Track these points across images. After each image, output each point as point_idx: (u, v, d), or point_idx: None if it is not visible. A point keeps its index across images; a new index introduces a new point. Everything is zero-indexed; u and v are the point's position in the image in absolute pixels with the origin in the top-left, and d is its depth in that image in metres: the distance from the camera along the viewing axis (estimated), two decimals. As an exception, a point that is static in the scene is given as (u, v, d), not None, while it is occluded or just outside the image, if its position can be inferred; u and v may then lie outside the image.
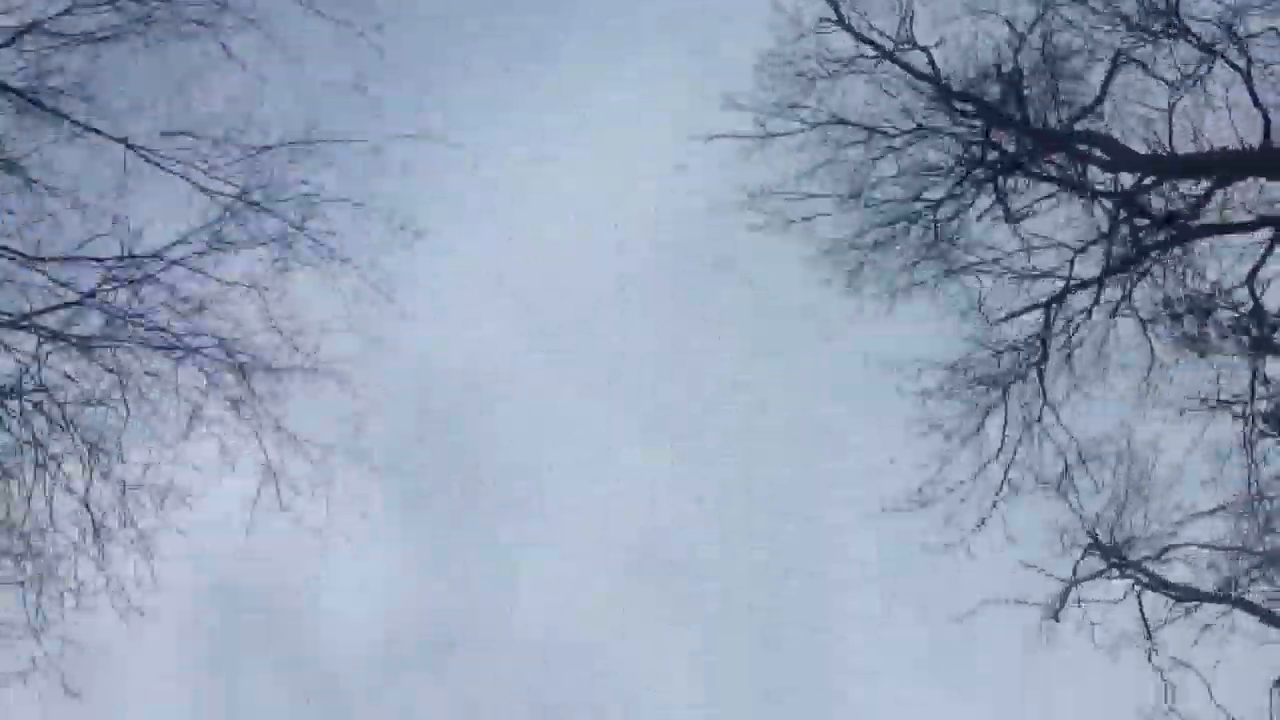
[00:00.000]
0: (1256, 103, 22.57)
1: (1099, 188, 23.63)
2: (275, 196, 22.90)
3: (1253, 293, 22.99)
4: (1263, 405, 23.01)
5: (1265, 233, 23.03)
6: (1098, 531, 24.87)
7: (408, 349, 25.69)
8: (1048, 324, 23.97)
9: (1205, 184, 22.89)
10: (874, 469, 25.60)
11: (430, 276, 26.02)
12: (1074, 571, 24.97)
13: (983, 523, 24.34)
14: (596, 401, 27.54)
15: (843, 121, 24.04)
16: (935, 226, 24.09)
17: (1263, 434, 23.29)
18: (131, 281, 22.10)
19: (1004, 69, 23.38)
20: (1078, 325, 23.95)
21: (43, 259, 21.94)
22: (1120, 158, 23.29)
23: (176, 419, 23.03)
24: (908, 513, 24.40)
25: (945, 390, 24.43)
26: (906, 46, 23.73)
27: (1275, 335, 22.86)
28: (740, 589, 27.57)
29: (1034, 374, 24.19)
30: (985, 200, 24.15)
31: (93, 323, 22.37)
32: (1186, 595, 24.83)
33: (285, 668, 27.18)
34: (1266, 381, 23.14)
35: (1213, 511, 24.29)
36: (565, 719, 27.19)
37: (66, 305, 22.07)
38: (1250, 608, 24.52)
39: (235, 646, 26.97)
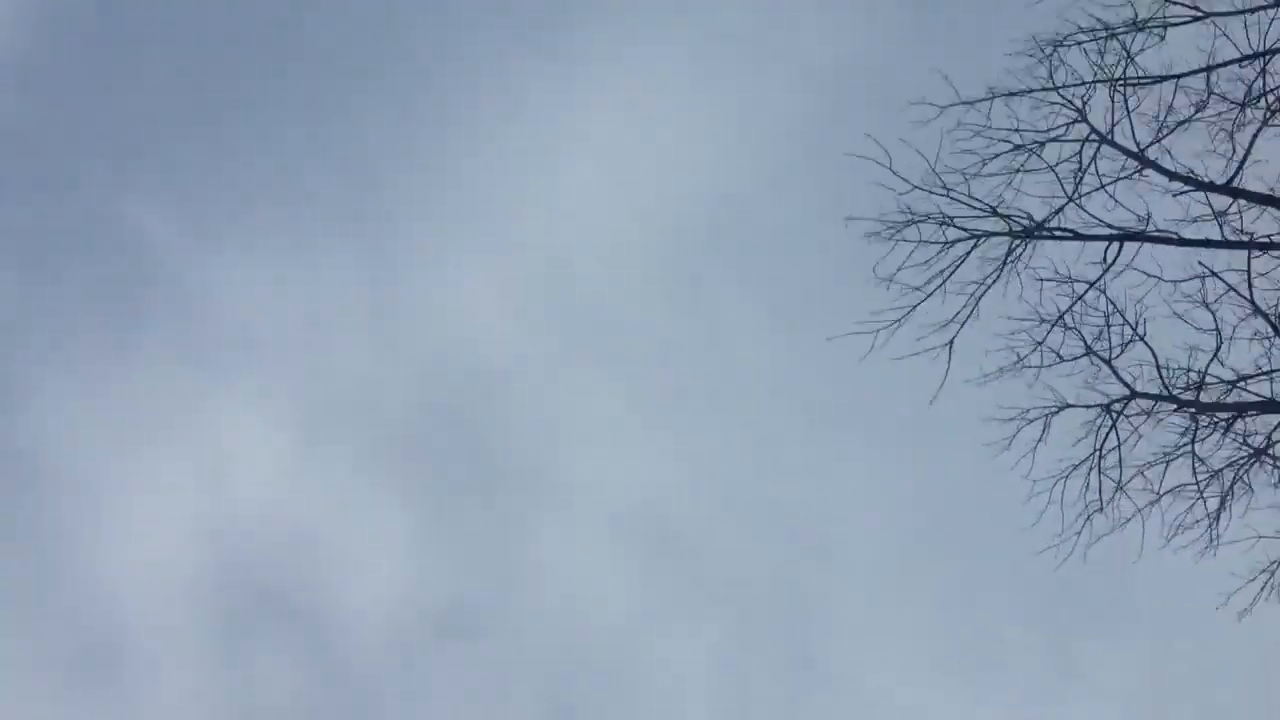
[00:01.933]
0: None
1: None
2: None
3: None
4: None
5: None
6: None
7: (420, 337, 25.90)
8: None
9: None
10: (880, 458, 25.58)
11: (439, 265, 26.21)
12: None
13: None
14: (611, 388, 27.69)
15: None
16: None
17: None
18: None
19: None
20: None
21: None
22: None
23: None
24: None
25: None
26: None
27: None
28: (757, 569, 27.72)
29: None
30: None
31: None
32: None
33: (302, 652, 27.66)
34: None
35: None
36: (579, 699, 27.52)
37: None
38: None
39: (251, 631, 27.48)
